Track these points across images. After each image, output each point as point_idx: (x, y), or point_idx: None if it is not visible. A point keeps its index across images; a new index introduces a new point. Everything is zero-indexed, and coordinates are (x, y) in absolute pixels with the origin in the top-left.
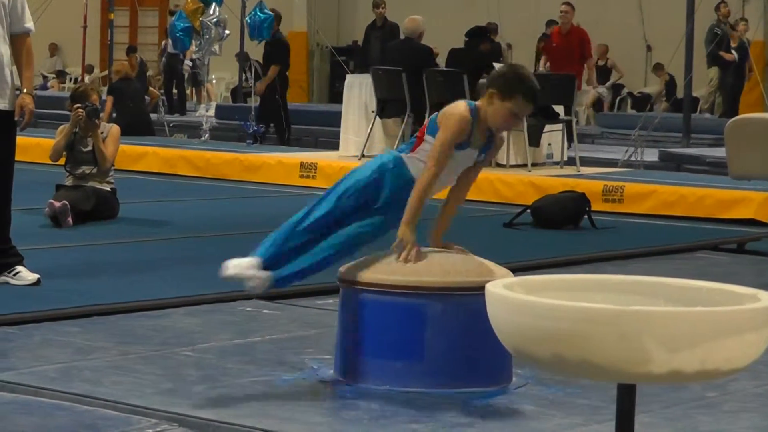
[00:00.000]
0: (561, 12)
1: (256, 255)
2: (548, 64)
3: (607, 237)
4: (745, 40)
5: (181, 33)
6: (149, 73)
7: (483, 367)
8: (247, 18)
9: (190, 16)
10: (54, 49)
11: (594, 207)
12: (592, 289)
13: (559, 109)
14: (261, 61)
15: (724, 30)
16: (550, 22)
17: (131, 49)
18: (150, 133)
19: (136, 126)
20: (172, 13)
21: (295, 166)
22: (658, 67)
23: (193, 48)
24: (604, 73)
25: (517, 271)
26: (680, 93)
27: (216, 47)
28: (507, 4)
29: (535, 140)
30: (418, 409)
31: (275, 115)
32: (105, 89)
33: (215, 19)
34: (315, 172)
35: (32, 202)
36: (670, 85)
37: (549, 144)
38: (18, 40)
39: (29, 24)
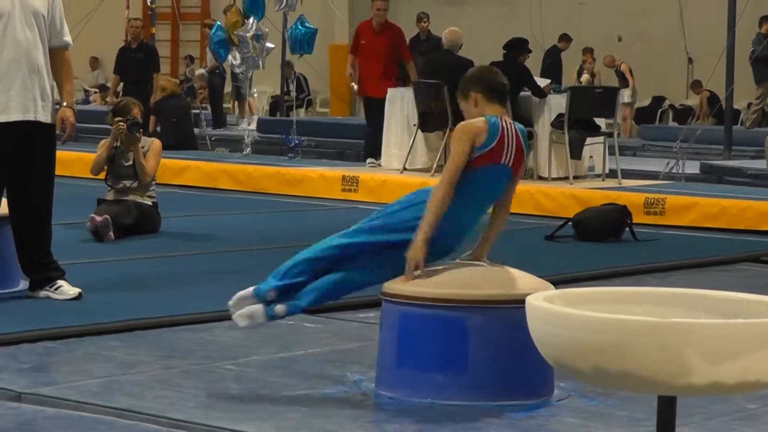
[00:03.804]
0: (376, 10)
1: None
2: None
3: (648, 249)
4: None
5: (216, 45)
6: (195, 84)
7: (525, 379)
8: (287, 31)
9: (229, 29)
10: (95, 63)
11: (635, 219)
12: (632, 302)
13: (600, 122)
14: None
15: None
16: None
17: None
18: (194, 147)
19: (182, 143)
20: (207, 26)
21: (337, 180)
22: (696, 84)
23: (232, 61)
24: (621, 79)
25: (558, 283)
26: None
27: (260, 61)
28: (549, 16)
29: (576, 153)
30: (460, 421)
31: None
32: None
33: (253, 33)
34: (357, 186)
35: (74, 216)
36: (712, 99)
37: (591, 156)
38: (57, 54)
39: (67, 38)
